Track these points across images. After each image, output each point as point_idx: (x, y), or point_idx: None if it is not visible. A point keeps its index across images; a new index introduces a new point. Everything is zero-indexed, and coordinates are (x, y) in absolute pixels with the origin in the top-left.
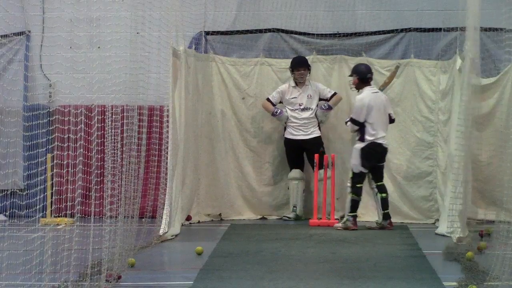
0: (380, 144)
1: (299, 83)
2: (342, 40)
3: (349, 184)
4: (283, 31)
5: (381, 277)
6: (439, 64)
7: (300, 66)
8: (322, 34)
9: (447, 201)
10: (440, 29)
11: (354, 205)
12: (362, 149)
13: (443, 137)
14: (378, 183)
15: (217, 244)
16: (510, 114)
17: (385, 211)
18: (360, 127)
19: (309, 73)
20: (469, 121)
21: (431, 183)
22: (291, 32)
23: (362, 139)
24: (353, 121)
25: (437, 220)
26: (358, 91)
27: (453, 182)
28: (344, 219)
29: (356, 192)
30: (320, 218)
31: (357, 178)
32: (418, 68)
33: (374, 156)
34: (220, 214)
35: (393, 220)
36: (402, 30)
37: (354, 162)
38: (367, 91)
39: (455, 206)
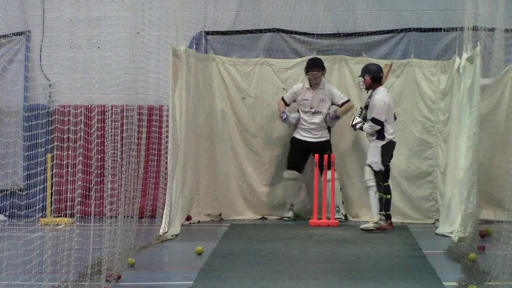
0: (395, 143)
1: (313, 84)
2: (342, 40)
3: (373, 183)
4: (283, 31)
5: (381, 277)
6: (439, 64)
7: (314, 67)
8: (322, 34)
9: (455, 202)
10: (440, 29)
11: (383, 203)
12: (383, 146)
13: (443, 137)
14: (385, 184)
15: (217, 244)
16: (510, 114)
17: (387, 212)
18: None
19: (324, 75)
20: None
21: (431, 183)
22: (291, 32)
23: (381, 137)
24: (375, 121)
25: (437, 220)
26: (367, 92)
27: (465, 184)
28: (376, 218)
29: (383, 190)
30: (320, 218)
31: (379, 176)
32: (418, 68)
33: (391, 154)
34: (220, 214)
35: (393, 220)
36: (402, 30)
37: (375, 160)
38: (382, 91)
39: (468, 206)
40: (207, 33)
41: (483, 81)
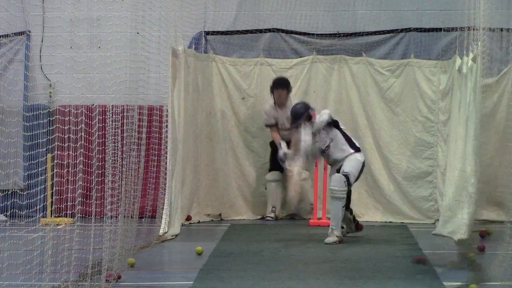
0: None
1: (278, 104)
2: (342, 40)
3: (344, 196)
4: (283, 31)
5: (381, 277)
6: (439, 64)
7: (278, 86)
8: (322, 34)
9: (455, 202)
10: (440, 29)
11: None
12: (363, 164)
13: (443, 137)
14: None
15: (217, 244)
16: (510, 114)
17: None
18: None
19: (289, 94)
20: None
21: (431, 183)
22: (291, 32)
23: (357, 149)
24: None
25: (437, 220)
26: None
27: (470, 185)
28: (338, 231)
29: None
30: (320, 218)
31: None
32: (418, 68)
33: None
34: (220, 214)
35: (393, 220)
36: (402, 30)
37: (355, 173)
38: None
39: (470, 206)
40: (207, 33)
41: (484, 81)
